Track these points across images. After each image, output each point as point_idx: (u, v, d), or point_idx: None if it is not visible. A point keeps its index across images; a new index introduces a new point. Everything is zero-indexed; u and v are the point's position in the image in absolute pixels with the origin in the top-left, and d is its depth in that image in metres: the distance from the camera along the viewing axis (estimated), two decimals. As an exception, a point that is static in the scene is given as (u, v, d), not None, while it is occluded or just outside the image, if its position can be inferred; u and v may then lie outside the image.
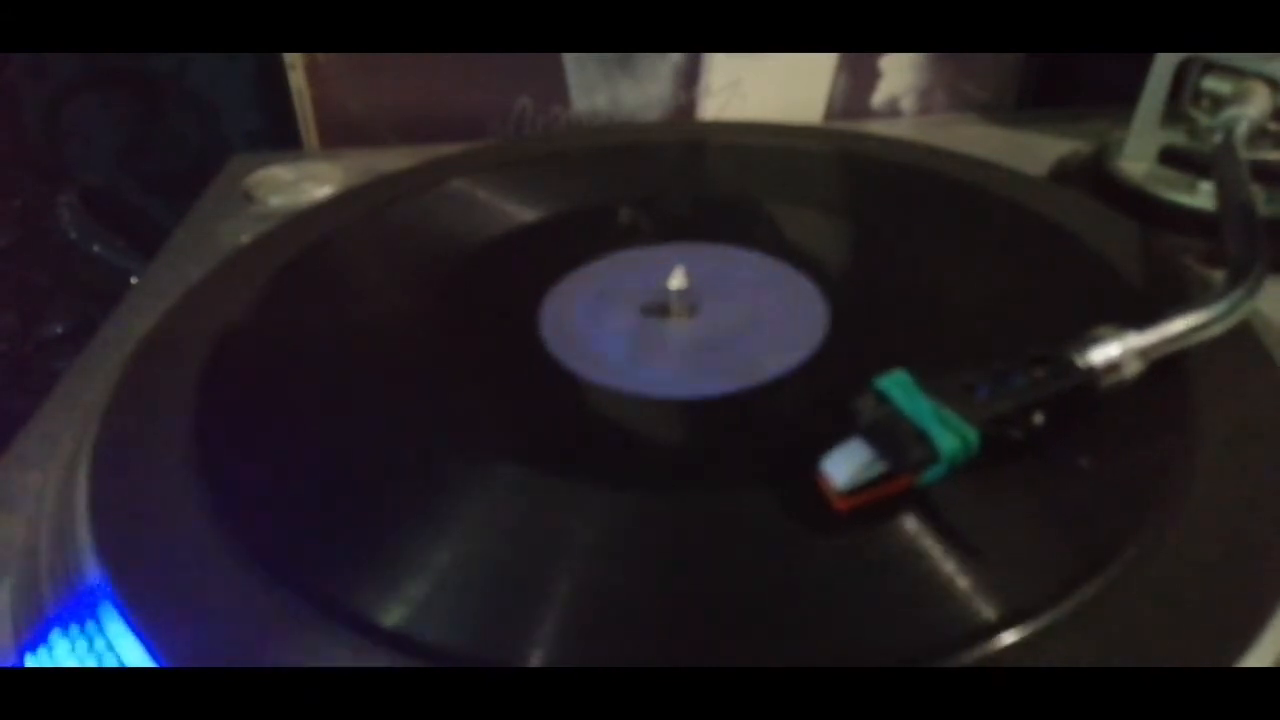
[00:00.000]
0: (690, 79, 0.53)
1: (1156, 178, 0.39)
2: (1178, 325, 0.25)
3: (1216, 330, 0.26)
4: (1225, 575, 0.21)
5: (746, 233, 0.36)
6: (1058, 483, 0.24)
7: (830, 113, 0.54)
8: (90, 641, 0.21)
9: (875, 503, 0.22)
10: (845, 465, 0.22)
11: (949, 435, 0.22)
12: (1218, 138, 0.35)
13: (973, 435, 0.22)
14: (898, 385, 0.23)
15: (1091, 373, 0.24)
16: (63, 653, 0.22)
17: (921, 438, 0.22)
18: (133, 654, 0.21)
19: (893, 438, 0.22)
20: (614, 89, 0.53)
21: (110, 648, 0.21)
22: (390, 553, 0.23)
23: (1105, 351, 0.24)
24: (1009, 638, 0.20)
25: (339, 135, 0.53)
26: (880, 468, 0.22)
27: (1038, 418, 0.24)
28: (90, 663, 0.21)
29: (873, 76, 0.54)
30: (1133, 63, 0.40)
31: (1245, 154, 0.35)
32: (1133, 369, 0.24)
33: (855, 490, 0.22)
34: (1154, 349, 0.25)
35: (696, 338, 0.31)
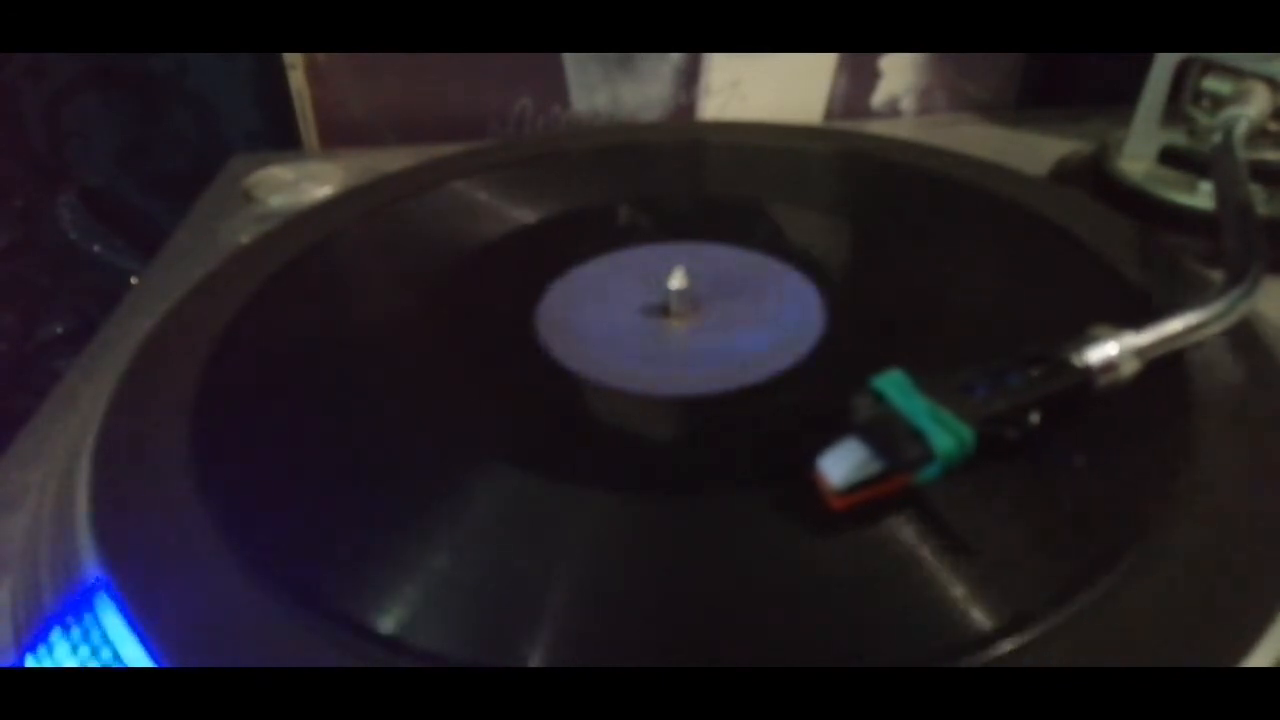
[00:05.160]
0: (690, 79, 0.53)
1: (1156, 178, 0.39)
2: (1175, 325, 0.25)
3: (1214, 330, 0.26)
4: (1225, 575, 0.21)
5: (746, 233, 0.36)
6: (1058, 483, 0.24)
7: (830, 113, 0.54)
8: (90, 641, 0.21)
9: (872, 502, 0.22)
10: (841, 464, 0.22)
11: (945, 434, 0.22)
12: (1216, 137, 0.35)
13: (968, 434, 0.22)
14: (894, 384, 0.23)
15: (1088, 372, 0.24)
16: (63, 652, 0.22)
17: (917, 437, 0.22)
18: (132, 653, 0.21)
19: (889, 437, 0.22)
20: (614, 89, 0.53)
21: (110, 647, 0.21)
22: (389, 553, 0.23)
23: (1102, 351, 0.24)
24: (1008, 639, 0.20)
25: (339, 135, 0.53)
26: (876, 467, 0.22)
27: (1034, 417, 0.24)
28: (90, 662, 0.21)
29: (873, 76, 0.54)
30: (1133, 63, 0.40)
31: (1244, 154, 0.35)
32: (1130, 368, 0.24)
33: (851, 489, 0.22)
34: (1151, 348, 0.25)
35: (696, 337, 0.31)
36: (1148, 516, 0.22)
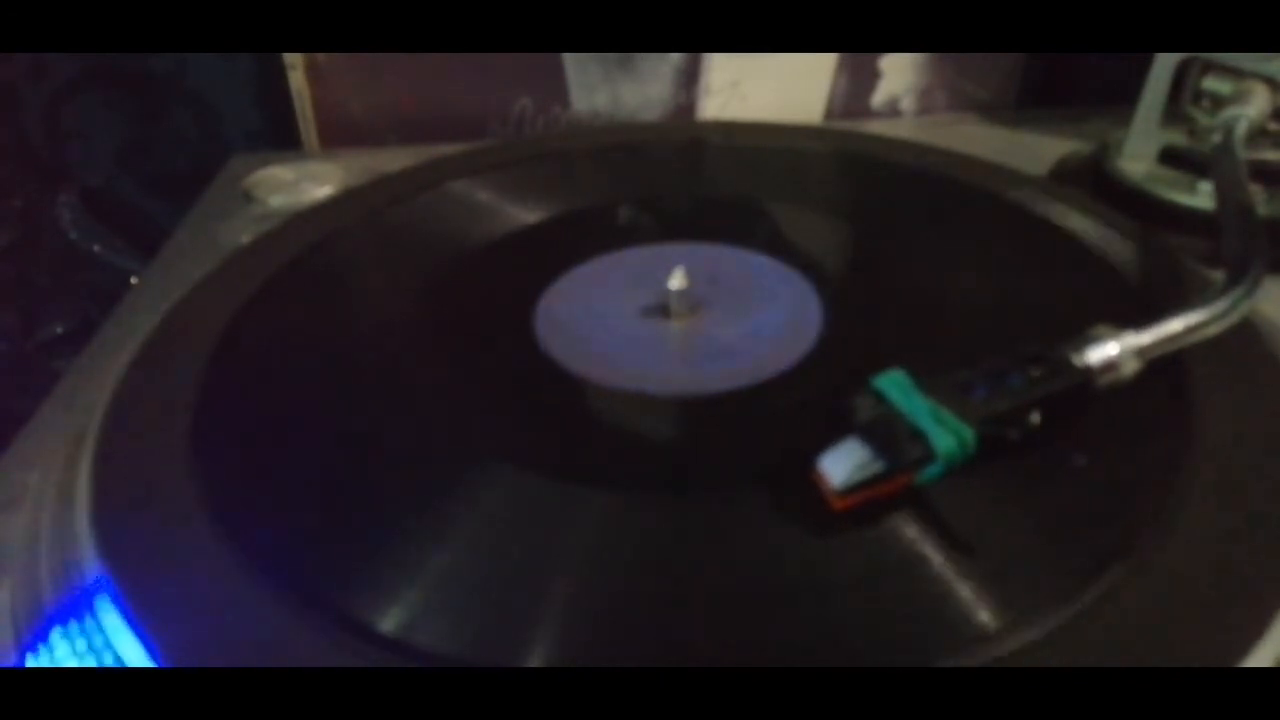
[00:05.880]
0: (690, 79, 0.53)
1: (1156, 178, 0.39)
2: (1175, 325, 0.25)
3: (1214, 330, 0.26)
4: (1225, 576, 0.21)
5: (746, 233, 0.36)
6: (1059, 483, 0.24)
7: (830, 113, 0.54)
8: (90, 641, 0.21)
9: (872, 502, 0.22)
10: (842, 464, 0.22)
11: (945, 434, 0.22)
12: (1216, 137, 0.35)
13: (969, 434, 0.22)
14: (895, 384, 0.23)
15: (1088, 372, 0.24)
16: (63, 652, 0.22)
17: (918, 437, 0.22)
18: (132, 653, 0.21)
19: (889, 437, 0.22)
20: (614, 89, 0.53)
21: (110, 647, 0.21)
22: (389, 553, 0.23)
23: (1102, 351, 0.24)
24: (1008, 639, 0.20)
25: (339, 135, 0.53)
26: (877, 467, 0.22)
27: (1035, 417, 0.24)
28: (90, 662, 0.21)
29: (873, 76, 0.54)
30: (1133, 63, 0.40)
31: (1244, 154, 0.35)
32: (1130, 368, 0.24)
33: (852, 489, 0.22)
34: (1151, 348, 0.25)
35: (696, 338, 0.31)
36: (1148, 516, 0.22)
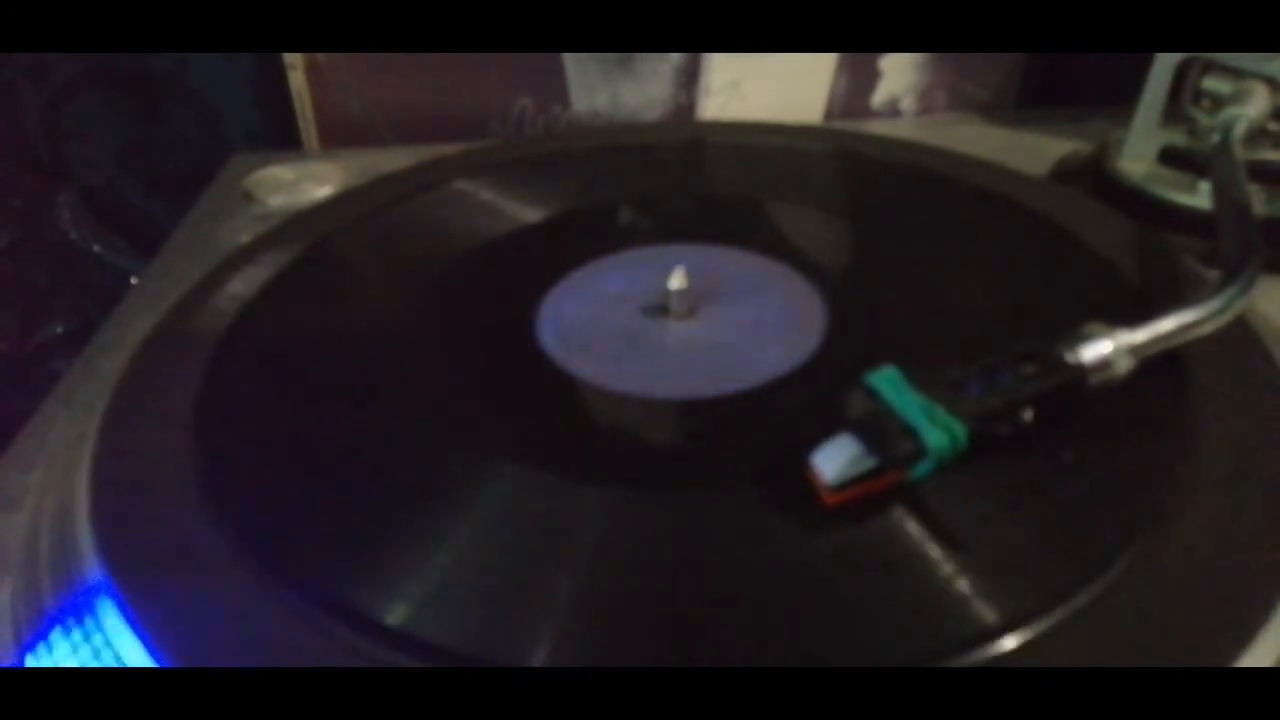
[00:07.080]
0: (690, 79, 0.53)
1: (1156, 178, 0.39)
2: (1169, 323, 0.25)
3: (1208, 328, 0.26)
4: (1225, 575, 0.21)
5: (746, 233, 0.36)
6: (1054, 481, 0.24)
7: (830, 113, 0.54)
8: (90, 641, 0.21)
9: (864, 498, 0.22)
10: (834, 459, 0.22)
11: (937, 431, 0.22)
12: (1215, 137, 0.35)
13: (960, 431, 0.22)
14: (887, 381, 0.23)
15: (1081, 370, 0.24)
16: (63, 652, 0.22)
17: (910, 433, 0.22)
18: (132, 653, 0.21)
19: (881, 433, 0.22)
20: (614, 89, 0.53)
21: (110, 647, 0.21)
22: (390, 553, 0.23)
23: (1096, 348, 0.24)
24: (1005, 638, 0.20)
25: (339, 135, 0.53)
26: (869, 463, 0.22)
27: (1026, 414, 0.24)
28: (90, 662, 0.21)
29: (873, 76, 0.54)
30: (1133, 63, 0.40)
31: (1244, 154, 0.35)
32: (1123, 366, 0.24)
33: (844, 485, 0.22)
34: (1145, 346, 0.25)
35: (696, 338, 0.31)
36: (1146, 515, 0.22)
